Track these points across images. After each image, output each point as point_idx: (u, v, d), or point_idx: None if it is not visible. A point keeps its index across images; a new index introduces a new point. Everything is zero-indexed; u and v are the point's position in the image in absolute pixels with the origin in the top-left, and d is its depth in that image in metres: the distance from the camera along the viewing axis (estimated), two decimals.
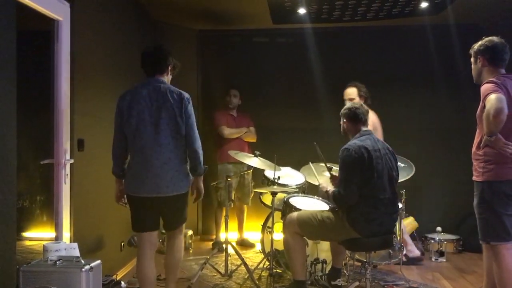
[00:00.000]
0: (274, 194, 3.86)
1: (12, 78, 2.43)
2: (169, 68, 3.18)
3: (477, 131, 3.04)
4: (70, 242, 3.20)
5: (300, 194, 4.13)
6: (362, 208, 3.14)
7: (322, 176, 4.24)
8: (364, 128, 3.34)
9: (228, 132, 5.16)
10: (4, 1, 2.36)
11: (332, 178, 3.67)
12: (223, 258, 4.25)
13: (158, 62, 3.10)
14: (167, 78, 3.17)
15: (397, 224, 3.88)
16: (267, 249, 4.04)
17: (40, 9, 2.92)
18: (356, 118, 3.34)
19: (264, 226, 4.32)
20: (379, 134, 4.53)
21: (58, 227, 3.18)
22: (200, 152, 3.06)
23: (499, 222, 2.92)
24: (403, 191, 4.18)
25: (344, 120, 3.41)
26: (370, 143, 3.21)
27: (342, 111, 3.44)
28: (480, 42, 3.05)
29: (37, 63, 3.64)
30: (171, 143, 2.98)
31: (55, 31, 3.15)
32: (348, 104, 3.45)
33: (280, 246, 3.77)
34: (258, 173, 4.90)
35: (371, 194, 3.13)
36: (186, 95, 3.06)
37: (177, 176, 3.00)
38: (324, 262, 3.82)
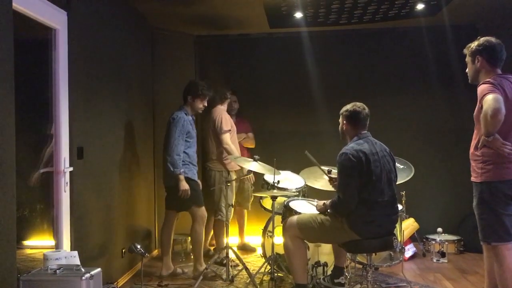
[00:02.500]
0: (274, 198, 3.86)
1: (10, 87, 2.43)
2: (188, 99, 4.32)
3: (475, 131, 3.04)
4: (71, 250, 3.20)
5: (300, 198, 4.13)
6: (361, 210, 3.14)
7: (322, 179, 4.25)
8: (362, 131, 3.33)
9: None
10: (2, 11, 2.37)
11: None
12: (225, 263, 4.24)
13: (183, 96, 4.37)
14: (191, 106, 4.32)
15: (397, 225, 3.88)
16: (268, 253, 4.03)
17: (37, 18, 2.93)
18: (357, 122, 3.31)
19: (264, 230, 4.32)
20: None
21: (58, 236, 3.18)
22: (168, 158, 4.12)
23: (499, 222, 2.92)
24: (403, 193, 4.18)
25: (344, 121, 3.38)
26: (367, 146, 3.21)
27: (344, 112, 3.38)
28: (477, 42, 3.05)
29: (35, 72, 3.65)
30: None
31: (53, 39, 3.16)
32: (349, 105, 3.36)
33: (281, 250, 3.76)
34: (257, 178, 4.91)
35: (369, 197, 3.13)
36: (173, 115, 4.22)
37: (168, 174, 4.15)
38: (325, 265, 3.82)
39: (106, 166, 3.94)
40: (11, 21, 2.44)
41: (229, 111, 5.24)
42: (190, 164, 4.26)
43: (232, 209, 4.66)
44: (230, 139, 4.72)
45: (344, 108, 3.38)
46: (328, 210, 3.34)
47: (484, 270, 3.15)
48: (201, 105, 4.36)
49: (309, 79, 5.53)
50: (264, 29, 5.47)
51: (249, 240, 5.44)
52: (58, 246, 3.17)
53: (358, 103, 3.36)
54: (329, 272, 3.84)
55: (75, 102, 3.32)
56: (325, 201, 3.37)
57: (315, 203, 3.69)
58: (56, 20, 3.14)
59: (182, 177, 4.11)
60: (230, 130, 4.73)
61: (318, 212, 3.42)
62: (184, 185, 4.10)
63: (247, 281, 4.06)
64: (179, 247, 5.15)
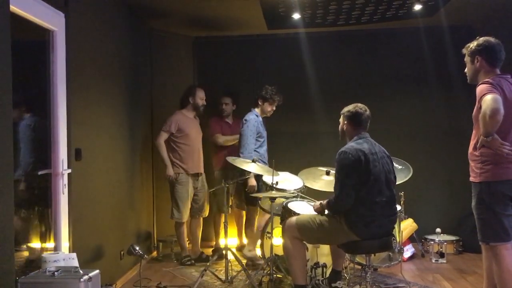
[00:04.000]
0: (272, 199, 3.85)
1: (8, 89, 2.43)
2: (259, 101, 4.74)
3: (473, 132, 3.04)
4: (69, 252, 3.19)
5: (298, 199, 4.12)
6: (360, 210, 3.14)
7: (320, 180, 4.25)
8: (362, 132, 3.33)
9: (223, 140, 5.17)
10: None
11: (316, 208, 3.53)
12: (223, 265, 4.23)
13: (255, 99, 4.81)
14: (261, 108, 4.77)
15: (396, 226, 3.88)
16: (267, 254, 4.03)
17: (35, 19, 2.92)
18: (358, 123, 3.32)
19: (263, 231, 4.32)
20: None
21: (56, 237, 3.18)
22: (240, 155, 4.50)
23: (498, 222, 2.92)
24: (402, 193, 4.19)
25: (345, 122, 3.39)
26: (367, 146, 3.21)
27: (345, 112, 3.38)
28: (476, 42, 3.04)
29: (33, 73, 3.65)
30: None
31: (51, 41, 3.16)
32: (351, 106, 3.37)
33: (280, 251, 3.76)
34: (256, 178, 4.90)
35: (368, 197, 3.13)
36: (245, 117, 4.66)
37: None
38: (324, 266, 3.82)
39: (105, 167, 3.93)
40: (8, 23, 2.44)
41: (223, 114, 5.24)
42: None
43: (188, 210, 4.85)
44: (191, 142, 4.83)
45: (346, 109, 3.39)
46: (326, 211, 3.34)
47: (483, 270, 3.15)
48: (269, 108, 4.76)
49: (308, 80, 5.54)
50: (262, 30, 5.48)
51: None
52: (56, 248, 3.16)
53: (360, 104, 3.37)
54: (327, 274, 3.83)
55: (73, 104, 3.32)
56: (321, 201, 3.38)
57: (311, 203, 3.70)
58: (54, 22, 3.14)
59: (252, 174, 4.40)
60: (167, 131, 4.77)
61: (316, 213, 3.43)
62: (252, 181, 4.46)
63: (246, 282, 4.06)
64: (168, 250, 5.16)
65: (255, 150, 4.59)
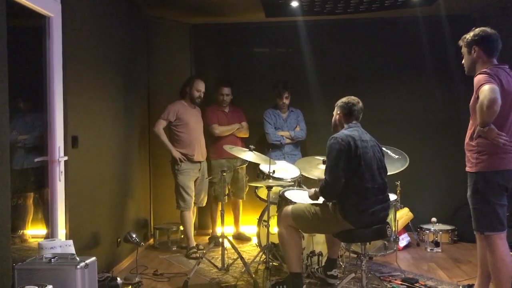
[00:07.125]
0: (269, 188, 3.86)
1: (4, 75, 2.41)
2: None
3: (470, 122, 3.04)
4: (66, 239, 3.20)
5: (295, 188, 4.14)
6: (353, 199, 3.15)
7: (317, 169, 4.26)
8: (354, 122, 3.37)
9: (219, 131, 5.14)
10: None
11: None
12: (220, 252, 4.26)
13: None
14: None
15: (391, 214, 3.90)
16: (263, 243, 4.05)
17: (31, 5, 2.90)
18: (351, 114, 3.36)
19: (260, 220, 4.33)
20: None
21: (53, 225, 3.18)
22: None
23: (493, 212, 2.93)
24: (398, 183, 4.20)
25: (338, 112, 3.42)
26: (357, 133, 3.25)
27: (339, 103, 3.42)
28: (473, 33, 3.03)
29: (29, 60, 3.63)
30: None
31: (47, 27, 3.13)
32: (345, 98, 3.41)
33: (276, 240, 3.78)
34: (252, 168, 4.92)
35: (360, 183, 3.15)
36: None
37: None
38: (320, 254, 3.84)
39: (101, 155, 3.93)
40: (4, 8, 2.42)
41: (222, 104, 5.22)
42: None
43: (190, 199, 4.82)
44: (190, 131, 4.82)
45: (340, 100, 3.44)
46: (320, 199, 3.36)
47: (477, 259, 3.18)
48: (280, 102, 5.15)
49: (305, 68, 5.52)
50: (260, 18, 5.44)
51: (245, 230, 5.46)
52: (52, 235, 3.17)
53: (353, 97, 3.42)
54: (323, 262, 3.86)
55: (69, 91, 3.30)
56: (315, 188, 3.40)
57: (307, 191, 3.70)
58: (50, 8, 3.11)
59: None
60: (165, 119, 4.76)
61: (311, 201, 3.44)
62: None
63: (242, 270, 4.08)
64: (165, 238, 5.18)
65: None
